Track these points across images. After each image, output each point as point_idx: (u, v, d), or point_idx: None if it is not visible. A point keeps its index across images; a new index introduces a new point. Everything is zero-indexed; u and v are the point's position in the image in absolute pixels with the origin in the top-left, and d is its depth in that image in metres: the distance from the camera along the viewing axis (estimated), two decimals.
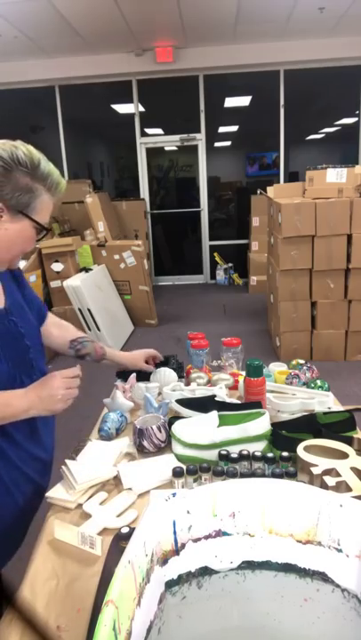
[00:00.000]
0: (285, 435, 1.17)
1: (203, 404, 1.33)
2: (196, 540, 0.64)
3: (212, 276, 7.25)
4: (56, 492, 1.07)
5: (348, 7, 4.96)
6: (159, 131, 7.00)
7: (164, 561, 0.62)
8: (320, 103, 6.88)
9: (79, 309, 4.39)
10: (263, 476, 1.03)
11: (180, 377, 1.59)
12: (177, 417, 1.32)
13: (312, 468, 0.95)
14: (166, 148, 7.26)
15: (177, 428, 1.22)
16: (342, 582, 0.62)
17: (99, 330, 4.37)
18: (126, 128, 6.85)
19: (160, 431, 1.23)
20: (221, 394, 1.43)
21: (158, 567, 0.61)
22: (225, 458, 1.09)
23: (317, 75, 6.37)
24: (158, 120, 7.03)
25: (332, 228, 3.68)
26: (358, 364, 3.93)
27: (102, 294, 4.67)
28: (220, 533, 0.65)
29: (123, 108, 6.93)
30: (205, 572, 0.65)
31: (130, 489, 1.07)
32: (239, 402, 1.39)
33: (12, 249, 1.02)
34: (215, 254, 7.10)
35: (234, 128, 7.34)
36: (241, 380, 1.47)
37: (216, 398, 1.38)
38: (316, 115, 6.98)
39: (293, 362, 1.62)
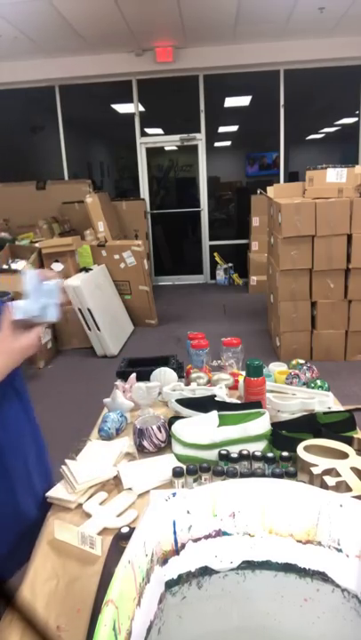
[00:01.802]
0: (285, 435, 1.17)
1: (203, 404, 1.33)
2: (196, 540, 0.64)
3: (212, 276, 7.25)
4: (56, 492, 1.07)
5: (348, 7, 4.96)
6: (159, 131, 7.00)
7: (164, 561, 0.62)
8: (320, 103, 6.88)
9: (79, 309, 4.39)
10: (263, 475, 1.02)
11: (180, 377, 1.59)
12: (177, 417, 1.32)
13: (312, 468, 0.95)
14: (166, 148, 7.26)
15: (177, 427, 1.22)
16: (342, 582, 0.62)
17: (99, 330, 4.37)
18: (126, 128, 6.85)
19: (160, 431, 1.23)
20: (221, 394, 1.43)
21: (158, 567, 0.61)
22: (225, 458, 1.09)
23: (317, 75, 6.37)
24: (158, 120, 7.03)
25: (332, 228, 3.68)
26: (358, 364, 3.93)
27: (102, 294, 4.67)
28: (220, 533, 0.65)
29: (123, 108, 6.93)
30: (205, 572, 0.65)
31: (130, 489, 1.07)
32: (239, 402, 1.39)
33: None
34: (215, 254, 7.09)
35: (234, 128, 7.34)
36: (241, 379, 1.46)
37: (216, 398, 1.38)
38: (316, 115, 6.98)
39: (293, 362, 1.62)
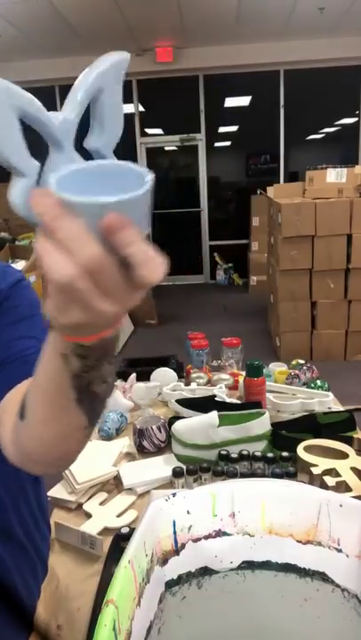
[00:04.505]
0: (285, 435, 1.17)
1: (203, 404, 1.33)
2: (196, 540, 0.64)
3: (212, 276, 7.25)
4: (56, 492, 1.07)
5: (348, 7, 4.96)
6: (159, 131, 7.00)
7: (164, 561, 0.62)
8: (320, 103, 6.88)
9: None
10: (263, 475, 1.03)
11: (180, 377, 1.59)
12: (177, 417, 1.32)
13: (312, 468, 0.95)
14: (166, 148, 7.25)
15: (177, 427, 1.22)
16: (342, 582, 0.62)
17: None
18: (126, 128, 6.77)
19: (160, 431, 1.23)
20: (221, 394, 1.43)
21: (158, 567, 0.61)
22: (225, 458, 1.09)
23: (317, 75, 6.37)
24: (158, 120, 7.03)
25: (332, 228, 3.68)
26: (358, 364, 3.92)
27: None
28: (220, 533, 0.65)
29: (123, 108, 6.93)
30: (205, 572, 0.65)
31: (130, 489, 1.08)
32: (239, 402, 1.40)
33: None
34: (215, 254, 7.09)
35: (234, 128, 7.34)
36: (241, 379, 1.47)
37: (216, 398, 1.38)
38: (316, 115, 6.97)
39: (293, 362, 1.62)
